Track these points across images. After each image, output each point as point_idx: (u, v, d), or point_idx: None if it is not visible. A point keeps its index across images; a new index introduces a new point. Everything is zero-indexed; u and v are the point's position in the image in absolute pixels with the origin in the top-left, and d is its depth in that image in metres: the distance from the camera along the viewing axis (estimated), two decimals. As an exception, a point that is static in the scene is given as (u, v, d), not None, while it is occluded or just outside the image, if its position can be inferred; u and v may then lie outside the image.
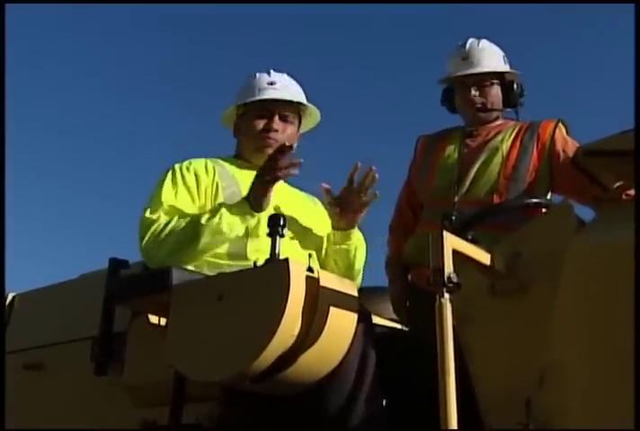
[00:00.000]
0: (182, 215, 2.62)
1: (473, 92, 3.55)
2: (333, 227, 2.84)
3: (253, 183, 2.59)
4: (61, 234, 13.62)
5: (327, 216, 2.90)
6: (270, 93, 2.93)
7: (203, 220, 2.51)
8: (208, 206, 2.67)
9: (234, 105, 2.97)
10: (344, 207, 2.75)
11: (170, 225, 2.55)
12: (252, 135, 2.93)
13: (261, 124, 2.91)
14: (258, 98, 2.92)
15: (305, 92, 3.05)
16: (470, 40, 3.63)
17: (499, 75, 3.59)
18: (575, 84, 12.10)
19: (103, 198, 13.78)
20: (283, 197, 2.86)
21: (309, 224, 2.83)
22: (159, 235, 2.54)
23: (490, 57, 3.59)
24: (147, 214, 2.62)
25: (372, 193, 2.71)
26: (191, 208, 2.66)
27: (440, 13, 12.06)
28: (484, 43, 3.63)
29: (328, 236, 2.89)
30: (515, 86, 3.59)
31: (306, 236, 2.80)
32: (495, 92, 3.58)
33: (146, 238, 2.56)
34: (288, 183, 3.01)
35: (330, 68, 13.26)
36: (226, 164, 2.85)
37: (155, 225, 2.56)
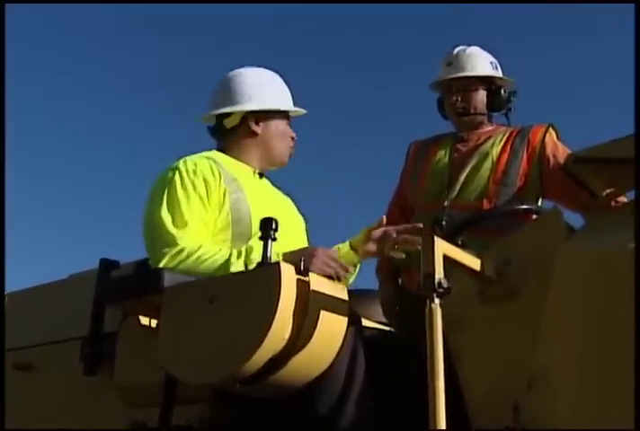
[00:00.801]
0: (204, 232, 2.60)
1: (455, 97, 3.59)
2: (352, 246, 2.85)
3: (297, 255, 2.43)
4: (51, 234, 13.59)
5: (302, 219, 3.00)
6: (291, 102, 3.01)
7: (238, 266, 2.45)
8: (217, 214, 2.64)
9: (269, 108, 2.92)
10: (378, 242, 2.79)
11: (197, 255, 2.47)
12: (281, 139, 2.93)
13: (287, 131, 2.96)
14: (304, 111, 3.01)
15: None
16: (459, 47, 3.67)
17: (485, 81, 3.62)
18: (575, 85, 12.13)
19: (95, 199, 13.75)
20: (270, 198, 2.90)
21: (295, 227, 2.85)
22: (185, 261, 2.47)
23: (475, 63, 3.61)
24: (169, 228, 2.55)
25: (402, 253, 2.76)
26: (203, 218, 2.61)
27: (438, 13, 12.07)
28: (472, 49, 3.66)
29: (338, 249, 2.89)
30: (503, 91, 3.61)
31: (294, 239, 2.81)
32: (480, 97, 3.60)
33: (167, 258, 2.48)
34: (271, 182, 3.04)
35: (322, 71, 13.27)
36: (225, 165, 2.79)
37: (178, 248, 2.50)
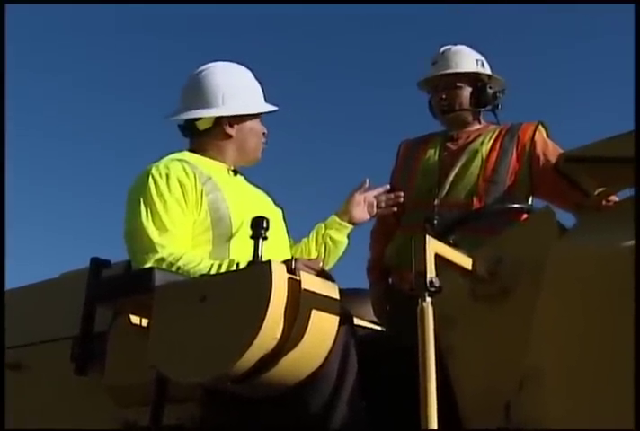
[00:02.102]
0: (185, 237, 2.62)
1: (439, 94, 3.63)
2: (337, 214, 3.02)
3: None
4: (41, 233, 13.53)
5: (279, 211, 3.04)
6: (262, 100, 3.02)
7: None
8: (196, 215, 2.65)
9: (252, 112, 2.95)
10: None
11: (177, 266, 2.49)
12: (255, 138, 2.96)
13: (260, 129, 2.98)
14: (275, 108, 3.02)
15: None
16: (446, 47, 3.70)
17: (470, 78, 3.63)
18: (575, 85, 12.13)
19: (86, 198, 13.69)
20: (246, 194, 2.93)
21: (274, 220, 2.85)
22: (170, 267, 2.48)
23: (459, 60, 3.64)
24: (150, 235, 2.57)
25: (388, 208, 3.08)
26: (183, 222, 2.63)
27: (438, 14, 12.06)
28: (458, 47, 3.71)
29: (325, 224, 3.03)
30: (488, 88, 3.62)
31: (274, 231, 2.82)
32: (464, 93, 3.63)
33: (150, 263, 2.51)
34: (248, 180, 3.06)
35: (321, 70, 13.28)
36: (198, 165, 2.80)
37: (158, 256, 2.52)
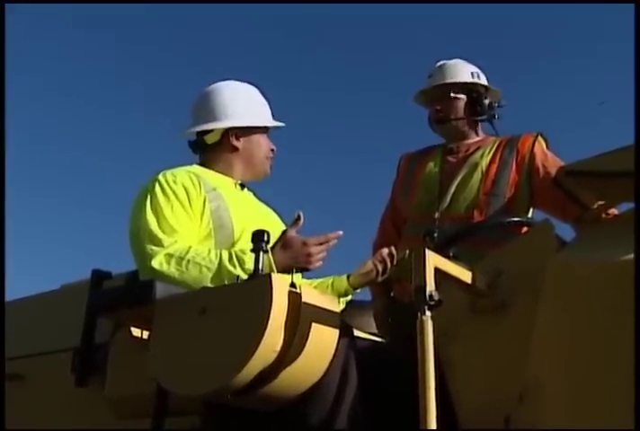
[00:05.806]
0: (191, 238, 2.63)
1: (435, 105, 3.66)
2: (349, 277, 2.99)
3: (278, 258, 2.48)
4: (43, 244, 13.54)
5: None
6: (270, 116, 3.07)
7: (231, 268, 2.47)
8: (199, 221, 2.67)
9: (248, 125, 2.97)
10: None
11: (191, 255, 2.50)
12: (261, 152, 3.00)
13: (267, 144, 3.03)
14: (282, 124, 3.06)
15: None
16: (442, 61, 3.73)
17: (465, 89, 3.65)
18: (574, 95, 12.13)
19: (88, 209, 13.69)
20: (252, 208, 2.94)
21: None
22: (180, 261, 2.49)
23: (454, 72, 3.68)
24: (155, 231, 2.58)
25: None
26: (188, 225, 2.65)
27: (437, 16, 12.06)
28: (454, 61, 3.76)
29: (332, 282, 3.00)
30: (485, 98, 3.64)
31: None
32: (460, 104, 3.66)
33: (159, 257, 2.51)
34: (257, 196, 3.07)
35: (314, 80, 13.28)
36: (205, 177, 2.83)
37: (170, 249, 2.53)
